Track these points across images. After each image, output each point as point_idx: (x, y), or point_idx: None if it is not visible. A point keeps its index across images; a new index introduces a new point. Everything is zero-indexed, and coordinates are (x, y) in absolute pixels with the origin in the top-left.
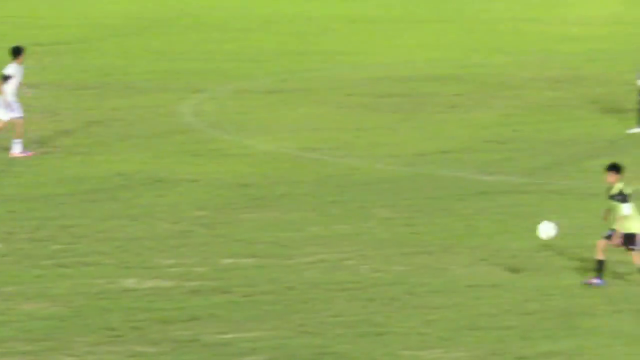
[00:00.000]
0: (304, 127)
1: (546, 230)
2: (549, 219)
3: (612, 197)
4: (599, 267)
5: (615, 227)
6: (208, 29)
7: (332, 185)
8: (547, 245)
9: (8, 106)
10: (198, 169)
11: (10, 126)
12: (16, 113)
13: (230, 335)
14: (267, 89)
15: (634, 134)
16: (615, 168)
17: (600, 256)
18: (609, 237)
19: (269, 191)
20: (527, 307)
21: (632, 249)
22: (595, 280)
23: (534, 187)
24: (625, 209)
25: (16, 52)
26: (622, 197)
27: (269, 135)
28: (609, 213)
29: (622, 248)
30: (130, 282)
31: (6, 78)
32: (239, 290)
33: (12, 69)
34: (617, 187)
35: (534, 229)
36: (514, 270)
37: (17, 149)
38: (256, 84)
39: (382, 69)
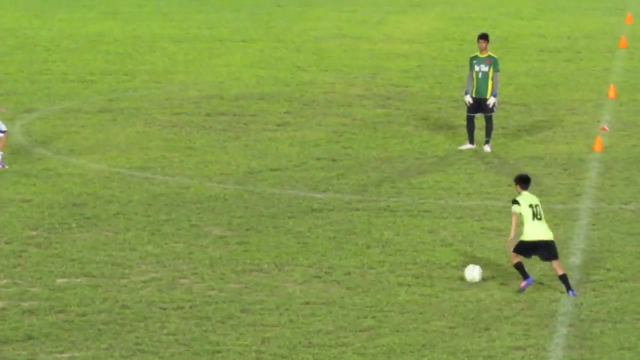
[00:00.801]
0: (134, 146)
1: (472, 274)
2: (382, 236)
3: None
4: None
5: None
6: (35, 49)
7: (164, 204)
8: (380, 261)
9: None
10: (29, 189)
11: None
12: None
13: (66, 355)
14: (96, 109)
15: (464, 150)
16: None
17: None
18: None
19: (102, 210)
20: (363, 323)
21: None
22: (524, 283)
23: (365, 204)
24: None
25: None
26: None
27: (99, 154)
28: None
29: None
30: None
31: None
32: (74, 310)
33: None
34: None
35: (366, 246)
36: (349, 287)
37: None
38: (85, 103)
39: (210, 87)
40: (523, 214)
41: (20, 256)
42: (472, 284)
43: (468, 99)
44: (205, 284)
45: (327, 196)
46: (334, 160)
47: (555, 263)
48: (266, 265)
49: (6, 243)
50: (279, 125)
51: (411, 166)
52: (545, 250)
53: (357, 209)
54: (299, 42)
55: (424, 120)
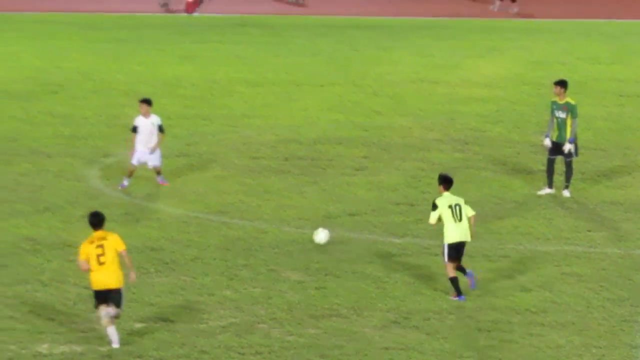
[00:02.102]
0: (211, 191)
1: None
2: (460, 281)
3: None
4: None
5: None
6: (112, 94)
7: (241, 248)
8: (458, 307)
9: None
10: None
11: None
12: None
13: None
14: (174, 153)
15: (542, 195)
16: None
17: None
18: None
19: (179, 255)
20: None
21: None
22: (456, 298)
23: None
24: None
25: None
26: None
27: (177, 199)
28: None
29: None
30: (43, 348)
31: None
32: (152, 355)
33: None
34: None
35: (445, 291)
36: (428, 332)
37: None
38: (162, 147)
39: (287, 131)
40: (442, 215)
41: None
42: (552, 330)
43: (547, 142)
44: (283, 329)
45: (405, 241)
46: (411, 205)
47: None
48: (344, 311)
49: (84, 288)
50: (356, 169)
51: (489, 211)
52: (461, 248)
53: (436, 254)
54: (376, 86)
55: (502, 165)
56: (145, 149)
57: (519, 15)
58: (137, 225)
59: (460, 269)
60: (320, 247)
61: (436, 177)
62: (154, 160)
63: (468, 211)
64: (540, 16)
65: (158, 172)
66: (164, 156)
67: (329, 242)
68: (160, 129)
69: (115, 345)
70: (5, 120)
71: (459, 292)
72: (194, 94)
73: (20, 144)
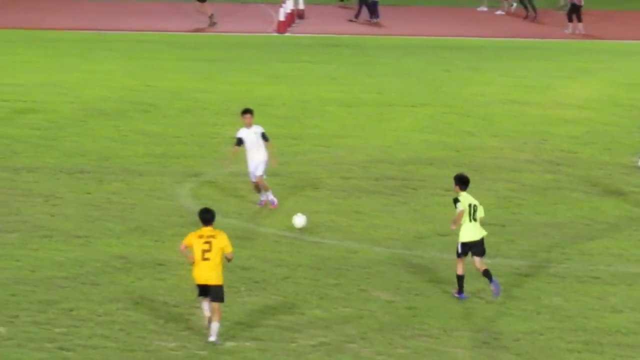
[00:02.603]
0: (302, 210)
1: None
2: (551, 302)
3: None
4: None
5: None
6: (204, 113)
7: (332, 268)
8: (549, 328)
9: None
10: None
11: None
12: None
13: None
14: (265, 172)
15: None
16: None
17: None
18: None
19: (270, 274)
20: None
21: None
22: (457, 295)
23: (534, 269)
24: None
25: None
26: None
27: (268, 218)
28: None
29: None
30: None
31: None
32: None
33: None
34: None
35: (535, 312)
36: (518, 353)
37: None
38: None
39: (379, 152)
40: (464, 214)
41: (188, 319)
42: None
43: None
44: (373, 349)
45: (495, 261)
46: (502, 225)
47: (479, 260)
48: (434, 331)
49: (174, 306)
50: (447, 190)
51: (580, 232)
52: (478, 247)
53: (526, 275)
54: (468, 107)
55: (593, 187)
56: (253, 161)
57: (584, 36)
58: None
59: (487, 275)
60: (411, 268)
61: (528, 198)
62: (261, 170)
63: (481, 212)
64: (631, 38)
65: (265, 189)
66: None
67: (420, 264)
68: (265, 137)
69: (213, 338)
70: (98, 139)
71: (461, 290)
72: (285, 113)
73: (112, 163)
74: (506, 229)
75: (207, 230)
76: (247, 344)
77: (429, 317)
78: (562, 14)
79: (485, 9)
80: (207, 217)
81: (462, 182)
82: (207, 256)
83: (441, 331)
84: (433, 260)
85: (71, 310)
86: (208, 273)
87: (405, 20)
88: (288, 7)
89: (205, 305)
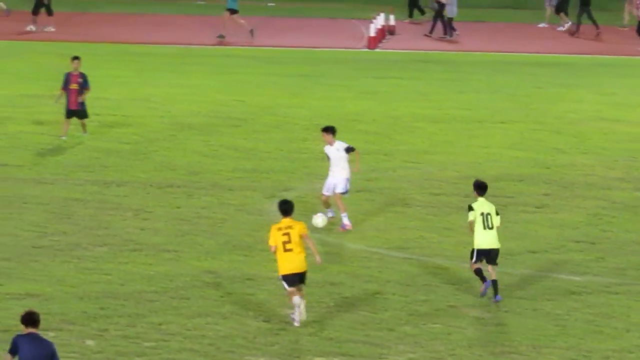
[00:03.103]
0: (393, 227)
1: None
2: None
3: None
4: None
5: None
6: (294, 128)
7: (422, 284)
8: (639, 345)
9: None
10: None
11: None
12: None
13: None
14: (354, 188)
15: None
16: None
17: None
18: None
19: (359, 290)
20: None
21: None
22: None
23: (624, 287)
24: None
25: None
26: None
27: (357, 234)
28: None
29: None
30: None
31: None
32: None
33: None
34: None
35: (625, 330)
36: None
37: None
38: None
39: (469, 168)
40: (475, 221)
41: (277, 334)
42: None
43: None
44: None
45: (585, 279)
46: (592, 243)
47: (492, 267)
48: (524, 348)
49: (264, 321)
50: (537, 207)
51: None
52: (492, 256)
53: (616, 293)
54: (558, 124)
55: None
56: (335, 178)
57: None
58: (314, 260)
59: (495, 285)
60: (501, 285)
61: (618, 215)
62: (341, 188)
63: (496, 221)
64: None
65: (342, 210)
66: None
67: (510, 280)
68: (349, 150)
69: (296, 324)
70: (188, 153)
71: (483, 279)
72: (375, 129)
73: (202, 177)
74: (596, 246)
75: (285, 221)
76: (336, 359)
77: (519, 334)
78: (627, 31)
79: (546, 25)
80: (285, 207)
81: (479, 187)
82: (289, 247)
83: (530, 348)
84: (523, 277)
85: (160, 324)
86: (293, 263)
87: (482, 36)
88: (379, 22)
89: (297, 301)
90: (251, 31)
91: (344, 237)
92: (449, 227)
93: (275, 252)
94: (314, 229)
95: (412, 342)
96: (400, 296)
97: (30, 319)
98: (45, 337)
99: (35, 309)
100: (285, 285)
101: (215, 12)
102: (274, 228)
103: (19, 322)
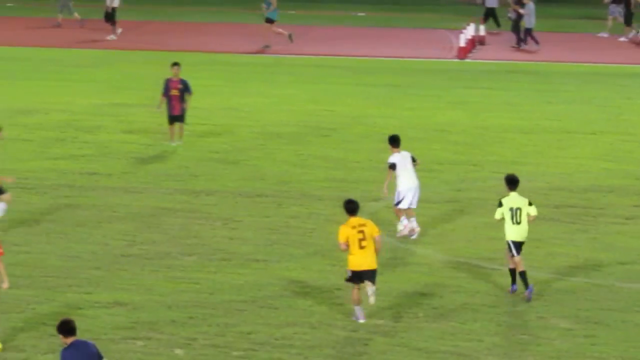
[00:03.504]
0: (482, 238)
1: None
2: None
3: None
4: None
5: None
6: (383, 138)
7: (510, 295)
8: None
9: None
10: (378, 277)
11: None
12: None
13: None
14: (444, 199)
15: None
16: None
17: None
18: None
19: (448, 300)
20: None
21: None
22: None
23: None
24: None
25: None
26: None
27: (446, 244)
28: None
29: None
30: None
31: None
32: None
33: None
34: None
35: None
36: None
37: None
38: (433, 193)
39: (558, 179)
40: (504, 216)
41: (366, 344)
42: None
43: None
44: None
45: None
46: None
47: (519, 258)
48: None
49: (352, 331)
50: (627, 218)
51: None
52: (519, 248)
53: None
54: None
55: None
56: (405, 185)
57: None
58: (406, 270)
59: (523, 277)
60: (590, 296)
61: None
62: (415, 203)
63: (531, 211)
64: None
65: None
66: (433, 201)
67: (599, 292)
68: (414, 160)
69: (361, 320)
70: (278, 163)
71: (513, 280)
72: (464, 139)
73: (292, 187)
74: None
75: (355, 220)
76: None
77: (608, 345)
78: None
79: (606, 35)
80: (352, 207)
81: (512, 182)
82: (364, 244)
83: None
84: (613, 289)
85: (249, 333)
86: (366, 259)
87: (567, 46)
88: (469, 33)
89: (371, 290)
90: (289, 36)
91: (433, 247)
92: (537, 238)
93: (346, 249)
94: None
95: (501, 353)
96: (489, 307)
97: (67, 328)
98: (86, 340)
99: (124, 317)
100: (351, 281)
101: (306, 21)
102: (345, 226)
103: (108, 330)
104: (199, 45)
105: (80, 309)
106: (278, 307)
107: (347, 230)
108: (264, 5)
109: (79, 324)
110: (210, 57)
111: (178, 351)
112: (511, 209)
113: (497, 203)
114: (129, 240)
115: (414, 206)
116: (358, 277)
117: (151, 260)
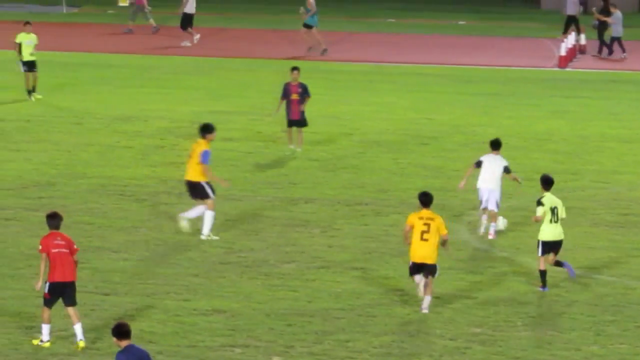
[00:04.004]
0: (580, 246)
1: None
2: None
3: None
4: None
5: None
6: (483, 147)
7: (609, 304)
8: None
9: None
10: (474, 286)
11: None
12: None
13: None
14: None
15: None
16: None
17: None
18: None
19: (546, 309)
20: None
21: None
22: (542, 289)
23: None
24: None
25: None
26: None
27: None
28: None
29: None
30: None
31: None
32: None
33: None
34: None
35: None
36: None
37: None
38: (531, 202)
39: None
40: (545, 215)
41: (464, 353)
42: None
43: None
44: None
45: None
46: None
47: (554, 256)
48: None
49: (450, 339)
50: None
51: None
52: (556, 247)
53: None
54: None
55: None
56: (487, 188)
57: None
58: (505, 279)
59: (558, 263)
60: None
61: None
62: (492, 204)
63: (563, 212)
64: None
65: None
66: (532, 210)
67: None
68: (507, 170)
69: (425, 310)
70: (377, 171)
71: (544, 284)
72: (564, 148)
73: (391, 195)
74: None
75: (426, 212)
76: None
77: None
78: None
79: None
80: (425, 199)
81: (547, 182)
82: (426, 237)
83: None
84: None
85: (347, 341)
86: (426, 252)
87: None
88: (569, 42)
89: (422, 281)
90: (324, 50)
91: (532, 256)
92: (637, 247)
93: (408, 236)
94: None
95: None
96: (587, 316)
97: (122, 331)
98: (140, 347)
99: (222, 325)
100: (410, 272)
101: (407, 30)
102: (414, 215)
103: (206, 338)
104: (300, 53)
105: (178, 316)
106: (376, 315)
107: (414, 218)
108: (302, 10)
109: (178, 331)
110: (311, 65)
111: (276, 359)
112: (552, 208)
113: (536, 202)
114: (227, 248)
115: (490, 207)
116: (416, 268)
117: (249, 267)
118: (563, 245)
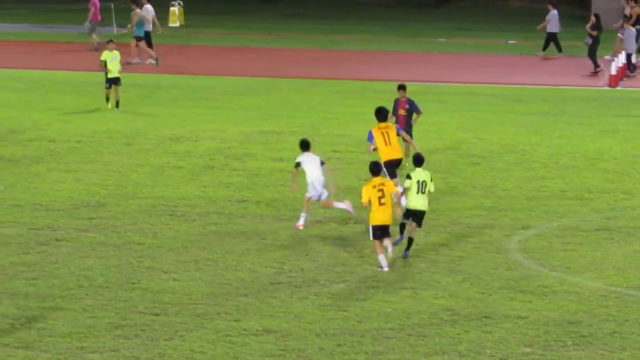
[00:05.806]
0: (632, 266)
1: None
2: None
3: None
4: None
5: None
6: (533, 166)
7: None
8: None
9: None
10: (525, 305)
11: None
12: None
13: None
14: (593, 227)
15: None
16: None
17: None
18: None
19: (597, 329)
20: None
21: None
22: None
23: None
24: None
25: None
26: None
27: (595, 272)
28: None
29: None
30: None
31: None
32: None
33: None
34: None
35: None
36: None
37: None
38: (582, 221)
39: None
40: (411, 187)
41: None
42: None
43: None
44: None
45: None
46: None
47: (415, 226)
48: None
49: (501, 359)
50: None
51: None
52: (418, 216)
53: None
54: None
55: None
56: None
57: None
58: (555, 298)
59: (410, 242)
60: None
61: None
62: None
63: (431, 187)
64: None
65: None
66: (583, 229)
67: None
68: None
69: (386, 268)
70: None
71: (401, 232)
72: (615, 167)
73: (440, 215)
74: None
75: (377, 180)
76: None
77: None
78: None
79: None
80: (375, 169)
81: (417, 161)
82: (383, 201)
83: None
84: None
85: None
86: (385, 215)
87: None
88: (620, 60)
89: (387, 242)
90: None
91: (583, 275)
92: None
93: (368, 207)
94: None
95: None
96: (638, 335)
97: None
98: None
99: (273, 345)
100: (372, 236)
101: (457, 49)
102: (367, 186)
103: (257, 358)
104: (349, 73)
105: (228, 336)
106: (426, 335)
107: (369, 189)
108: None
109: (228, 352)
110: (361, 85)
111: None
112: (418, 182)
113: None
114: (277, 268)
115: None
116: (380, 231)
117: (300, 287)
118: (615, 264)
